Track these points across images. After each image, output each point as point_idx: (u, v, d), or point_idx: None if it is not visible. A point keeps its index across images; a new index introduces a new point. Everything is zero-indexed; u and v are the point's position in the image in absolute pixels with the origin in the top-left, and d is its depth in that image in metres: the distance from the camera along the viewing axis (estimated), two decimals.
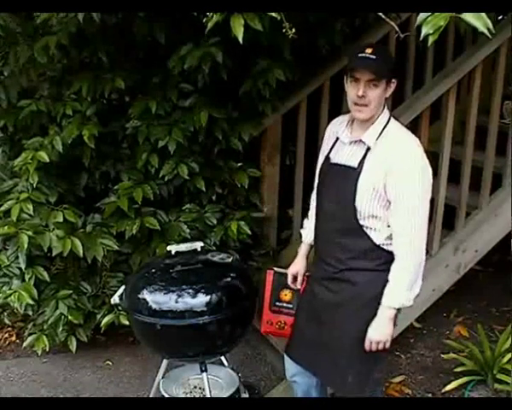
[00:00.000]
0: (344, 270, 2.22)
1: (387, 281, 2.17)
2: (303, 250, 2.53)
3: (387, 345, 2.21)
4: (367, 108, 2.12)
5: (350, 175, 2.17)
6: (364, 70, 2.07)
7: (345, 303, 2.25)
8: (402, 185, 2.10)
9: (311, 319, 2.37)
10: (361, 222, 2.17)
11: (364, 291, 2.21)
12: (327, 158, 2.31)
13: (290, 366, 2.52)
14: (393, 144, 2.14)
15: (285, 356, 2.52)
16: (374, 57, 2.06)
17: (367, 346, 2.20)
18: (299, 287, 2.52)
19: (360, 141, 2.19)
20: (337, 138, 2.29)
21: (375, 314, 2.19)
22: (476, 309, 3.91)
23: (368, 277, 2.20)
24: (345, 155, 2.23)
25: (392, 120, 2.21)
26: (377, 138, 2.15)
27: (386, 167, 2.10)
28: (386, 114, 2.20)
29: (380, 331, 2.18)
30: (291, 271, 2.53)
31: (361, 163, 2.16)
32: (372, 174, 2.13)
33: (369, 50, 2.08)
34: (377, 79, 2.08)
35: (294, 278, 2.53)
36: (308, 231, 2.48)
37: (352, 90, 2.13)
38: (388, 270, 2.17)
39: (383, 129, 2.16)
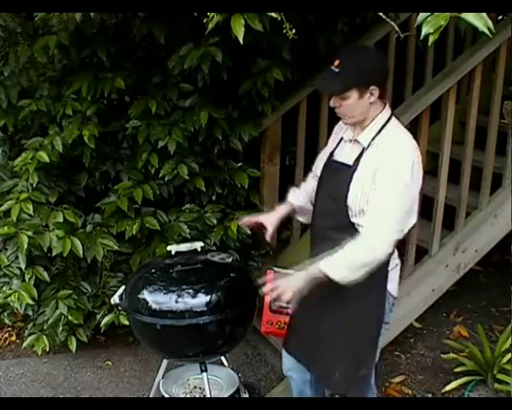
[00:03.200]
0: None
1: (376, 280, 2.17)
2: (281, 207, 2.51)
3: (283, 297, 2.12)
4: (347, 116, 2.16)
5: (345, 173, 2.18)
6: (323, 93, 2.08)
7: (334, 299, 2.26)
8: (383, 178, 2.08)
9: (305, 314, 2.38)
10: (352, 220, 2.17)
11: (353, 288, 2.19)
12: (331, 155, 2.33)
13: (286, 360, 2.54)
14: (385, 145, 2.13)
15: (283, 350, 2.54)
16: (336, 71, 2.06)
17: (267, 289, 2.15)
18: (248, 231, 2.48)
19: (357, 140, 2.20)
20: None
21: (362, 312, 2.20)
22: (476, 309, 3.91)
23: None
24: (344, 153, 2.26)
25: (393, 120, 2.20)
26: (373, 138, 2.16)
27: (375, 168, 2.11)
28: (385, 113, 2.19)
29: (289, 279, 2.15)
30: (257, 217, 2.49)
31: (356, 162, 2.17)
32: (364, 174, 2.14)
33: (336, 63, 2.08)
34: (340, 94, 2.09)
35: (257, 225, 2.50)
36: (295, 194, 2.50)
37: (330, 100, 2.18)
38: (377, 268, 2.17)
39: (381, 129, 2.16)
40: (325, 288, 2.25)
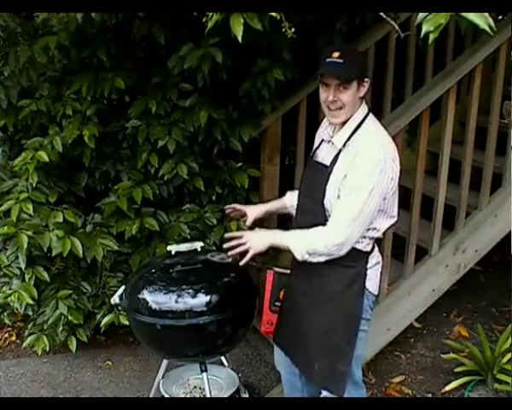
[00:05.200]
0: (314, 262, 2.23)
1: (354, 277, 2.21)
2: (272, 202, 2.64)
3: (248, 250, 2.18)
4: (341, 111, 2.16)
5: (323, 174, 2.21)
6: (331, 76, 2.10)
7: (312, 294, 2.30)
8: (349, 181, 2.11)
9: (289, 307, 2.43)
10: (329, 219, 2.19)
11: (331, 284, 2.25)
12: (312, 154, 2.37)
13: (276, 354, 2.58)
14: (357, 148, 2.14)
15: (274, 345, 2.58)
16: (341, 61, 2.08)
17: (229, 245, 2.21)
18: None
19: (332, 142, 2.24)
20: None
21: (339, 308, 2.24)
22: (476, 309, 3.91)
23: (335, 271, 2.22)
24: (323, 154, 2.30)
25: (370, 117, 2.21)
26: (348, 139, 2.17)
27: (346, 170, 2.13)
28: (360, 113, 2.20)
29: (255, 239, 2.20)
30: (243, 206, 2.62)
31: (332, 163, 2.19)
32: (338, 176, 2.16)
33: (335, 54, 2.10)
34: (346, 83, 2.11)
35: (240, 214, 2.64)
36: (291, 193, 2.56)
37: (323, 95, 2.18)
38: (356, 267, 2.21)
39: (357, 128, 2.18)
40: (307, 283, 2.31)
